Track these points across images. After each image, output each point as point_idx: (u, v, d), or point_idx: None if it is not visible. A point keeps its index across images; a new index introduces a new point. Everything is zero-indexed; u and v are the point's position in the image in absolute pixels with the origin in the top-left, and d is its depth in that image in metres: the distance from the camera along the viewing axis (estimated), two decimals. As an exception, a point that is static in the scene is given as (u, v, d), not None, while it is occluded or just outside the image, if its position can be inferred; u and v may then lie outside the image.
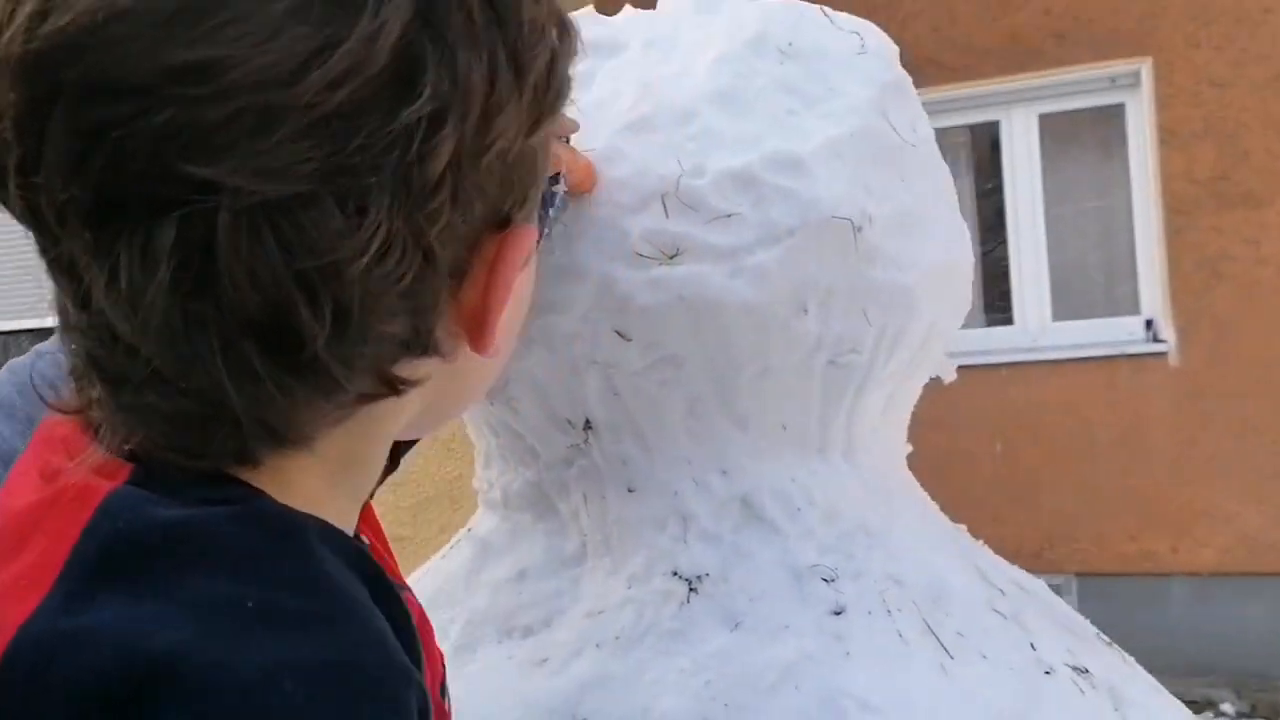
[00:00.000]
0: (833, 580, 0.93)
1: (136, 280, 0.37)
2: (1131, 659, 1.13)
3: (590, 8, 1.10)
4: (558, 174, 0.86)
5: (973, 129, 5.81)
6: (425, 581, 1.05)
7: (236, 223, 0.37)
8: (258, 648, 0.36)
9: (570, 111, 0.89)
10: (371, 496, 0.84)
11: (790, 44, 0.97)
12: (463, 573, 1.01)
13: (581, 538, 0.99)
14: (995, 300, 5.66)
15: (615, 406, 0.95)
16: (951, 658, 0.90)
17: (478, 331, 0.47)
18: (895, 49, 1.05)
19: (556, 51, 0.45)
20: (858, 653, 0.88)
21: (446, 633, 0.97)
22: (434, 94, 0.39)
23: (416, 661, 0.44)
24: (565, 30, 0.47)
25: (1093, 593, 5.05)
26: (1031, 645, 0.96)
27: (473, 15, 0.40)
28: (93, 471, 0.42)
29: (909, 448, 1.14)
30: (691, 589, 0.91)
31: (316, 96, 0.36)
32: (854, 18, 1.05)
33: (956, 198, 1.08)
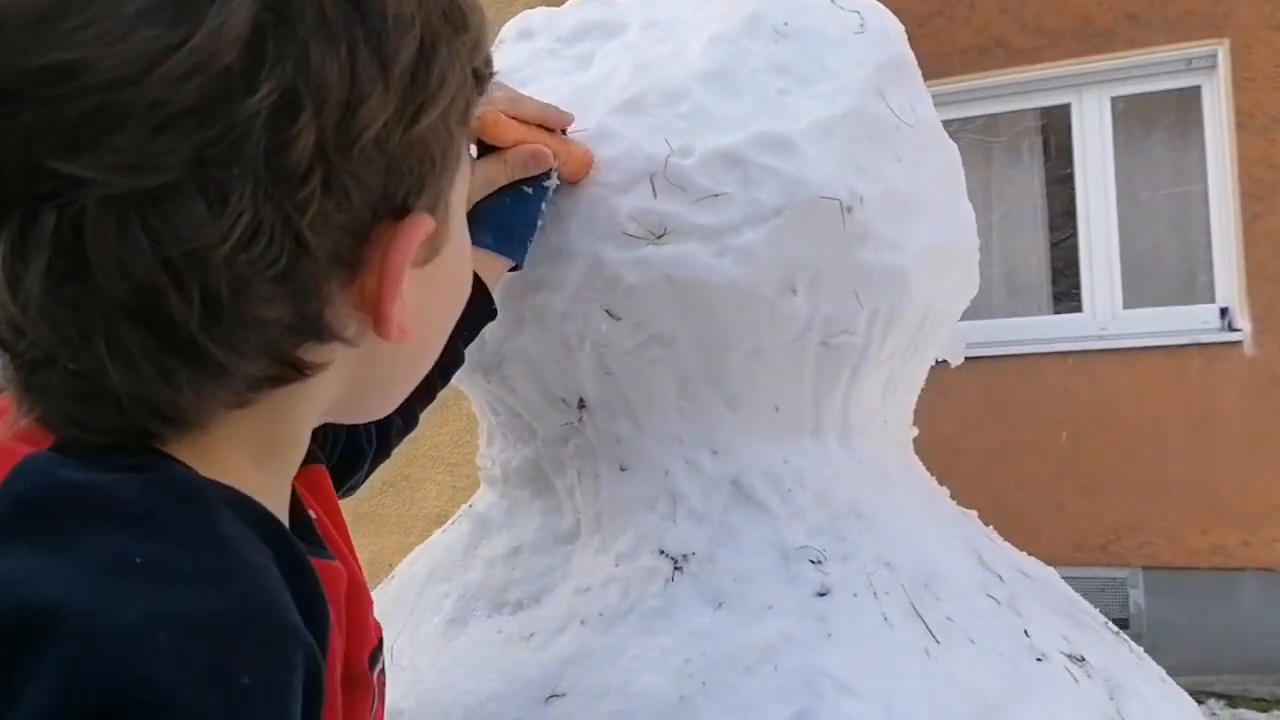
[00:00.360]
0: (820, 562, 0.92)
1: (17, 268, 0.40)
2: (1141, 651, 1.10)
3: (600, -11, 1.10)
4: (549, 170, 0.87)
5: (1043, 112, 5.68)
6: (425, 556, 1.07)
7: (104, 214, 0.39)
8: (138, 599, 0.37)
9: (548, 97, 0.90)
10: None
11: (786, 24, 0.97)
12: (460, 547, 1.03)
13: (576, 515, 1.00)
14: (1067, 289, 5.54)
15: (608, 385, 0.96)
16: (937, 642, 0.89)
17: (378, 319, 0.48)
18: (899, 28, 1.04)
19: (433, 41, 0.46)
20: (840, 634, 0.88)
21: (441, 606, 0.99)
22: (279, 85, 0.41)
23: (321, 628, 0.45)
24: (453, 19, 0.48)
25: (1160, 587, 4.93)
26: (1025, 632, 0.95)
27: (325, 9, 0.42)
28: (18, 438, 0.44)
29: (914, 431, 1.13)
30: (677, 567, 0.92)
31: (166, 93, 0.39)
32: (858, -4, 1.04)
33: (962, 179, 1.07)
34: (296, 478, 0.58)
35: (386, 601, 1.06)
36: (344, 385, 0.52)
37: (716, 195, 0.89)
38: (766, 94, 0.93)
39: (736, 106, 0.92)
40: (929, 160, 1.00)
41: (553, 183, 0.89)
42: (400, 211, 0.47)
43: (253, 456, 0.49)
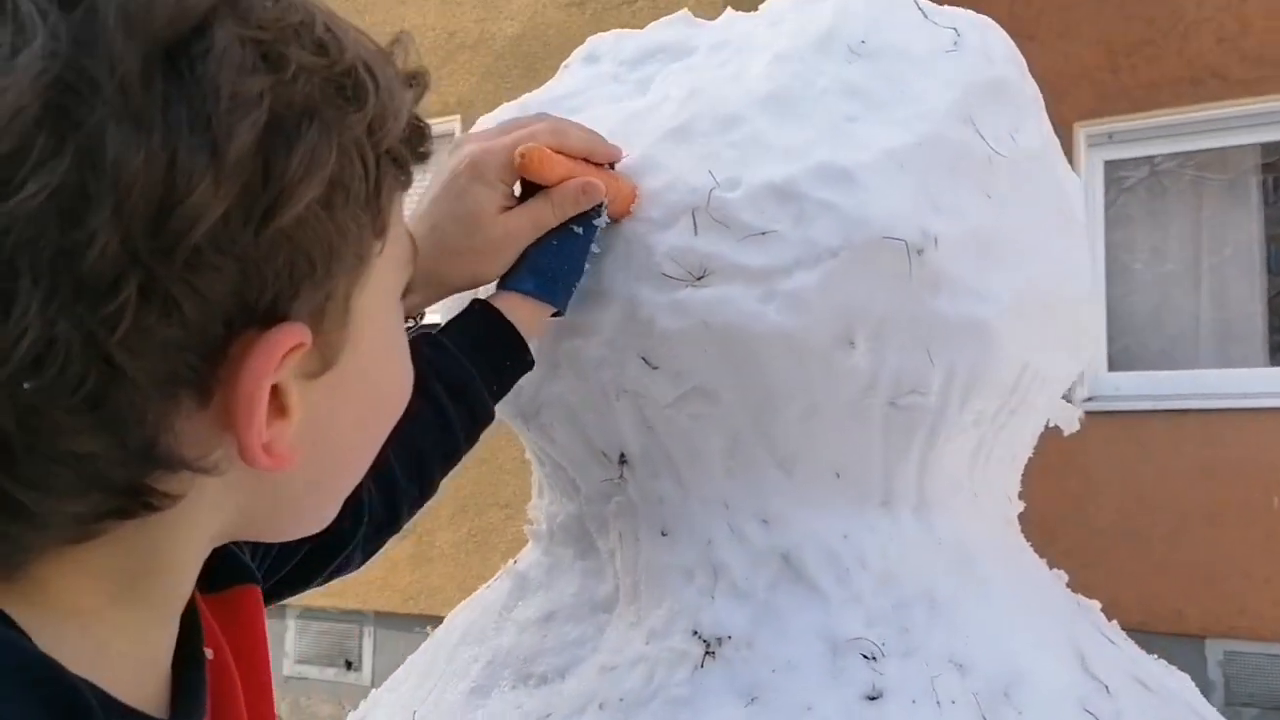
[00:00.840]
0: (875, 658, 0.80)
1: None
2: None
3: (685, 11, 1.02)
4: (600, 205, 0.80)
5: (1265, 148, 5.20)
6: (463, 614, 1.00)
7: None
8: None
9: (596, 125, 0.82)
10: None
11: (864, 41, 0.86)
12: (496, 608, 0.96)
13: (616, 581, 0.91)
14: (1285, 338, 5.03)
15: (649, 440, 0.87)
16: (1010, 765, 0.75)
17: (239, 444, 0.41)
18: (1007, 47, 0.91)
19: (296, 121, 0.39)
20: (888, 747, 0.75)
21: (468, 671, 0.92)
22: (53, 181, 0.34)
23: None
24: (343, 92, 0.41)
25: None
26: (1128, 760, 0.79)
27: (131, 87, 0.35)
28: None
29: (1018, 506, 0.99)
30: (709, 652, 0.81)
31: None
32: (963, 11, 0.92)
33: (1078, 218, 0.92)
34: (212, 602, 0.53)
35: (422, 661, 1.00)
36: (235, 507, 0.46)
37: (764, 233, 0.79)
38: (832, 120, 0.82)
39: (795, 134, 0.81)
40: (1030, 196, 0.87)
41: (603, 221, 0.81)
42: (268, 320, 0.40)
43: (112, 592, 0.43)
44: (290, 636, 5.21)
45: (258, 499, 0.46)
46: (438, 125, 4.75)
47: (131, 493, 0.40)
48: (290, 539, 0.55)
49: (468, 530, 4.85)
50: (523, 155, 0.77)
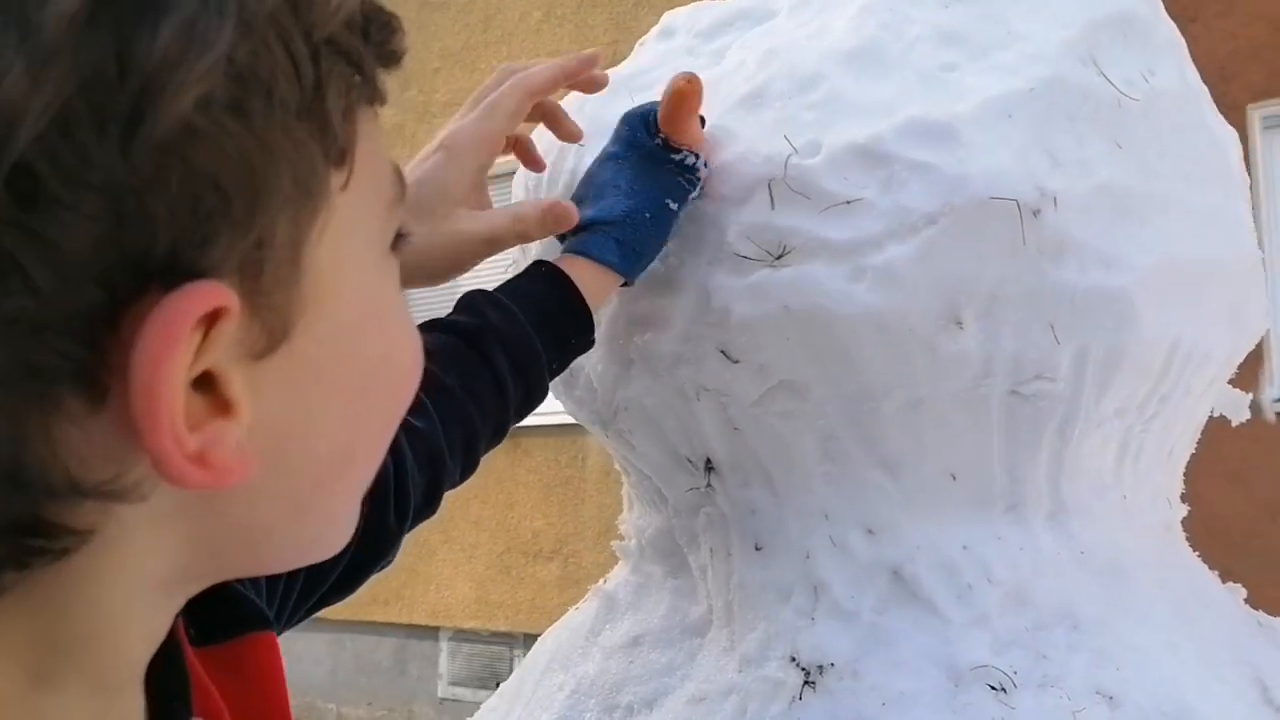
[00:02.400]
0: (1006, 690, 0.69)
1: None
2: None
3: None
4: (695, 176, 0.72)
5: None
6: (551, 639, 0.93)
7: None
8: None
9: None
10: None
11: (962, -19, 0.75)
12: (583, 632, 0.88)
13: (709, 601, 0.82)
14: None
15: (736, 443, 0.78)
16: (1173, 819, 0.63)
17: (152, 457, 0.30)
18: (1134, -24, 0.79)
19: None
20: (1019, 795, 0.64)
21: (553, 701, 0.85)
22: None
23: None
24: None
25: None
26: (1324, 813, 0.65)
27: None
28: None
29: (1180, 510, 0.85)
30: (808, 682, 0.71)
31: None
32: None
33: (1236, 170, 0.79)
34: (212, 655, 0.44)
35: (510, 688, 0.93)
36: (185, 541, 0.35)
37: (849, 202, 0.69)
38: (925, 71, 0.72)
39: (883, 89, 0.71)
40: (1173, 146, 0.74)
41: (697, 193, 0.73)
42: (172, 278, 0.29)
43: (31, 670, 0.34)
44: (443, 659, 5.28)
45: (215, 528, 0.35)
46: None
47: (15, 533, 0.30)
48: (294, 568, 0.47)
49: (613, 552, 4.81)
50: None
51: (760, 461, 0.77)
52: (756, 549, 0.78)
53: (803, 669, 0.72)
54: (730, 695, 0.74)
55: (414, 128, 6.35)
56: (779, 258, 0.71)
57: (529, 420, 0.75)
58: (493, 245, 0.70)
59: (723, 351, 0.74)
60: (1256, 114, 4.23)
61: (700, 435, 0.79)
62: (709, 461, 0.80)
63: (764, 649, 0.75)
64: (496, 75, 0.74)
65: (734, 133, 0.74)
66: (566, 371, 0.84)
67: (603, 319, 0.79)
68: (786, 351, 0.72)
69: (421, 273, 0.70)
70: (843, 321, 0.69)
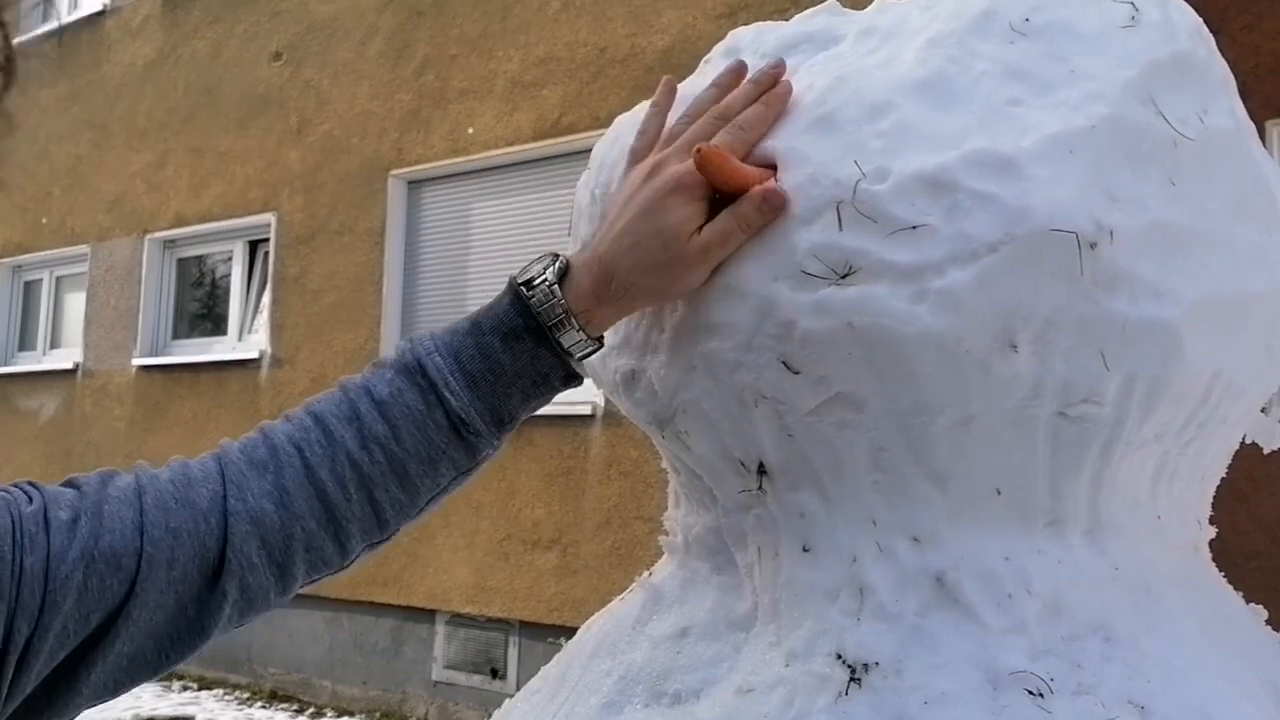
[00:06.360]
0: (1043, 695, 0.73)
1: None
2: None
3: (833, 1, 0.97)
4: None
5: None
6: (597, 626, 0.97)
7: None
8: None
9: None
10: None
11: (1028, 20, 0.79)
12: (630, 621, 0.92)
13: (754, 598, 0.86)
14: None
15: (790, 449, 0.81)
16: (1198, 823, 0.67)
17: None
18: (1191, 20, 0.82)
19: None
20: (1055, 795, 0.68)
21: (600, 685, 0.88)
22: None
23: None
24: None
25: None
26: (1339, 824, 0.69)
27: None
28: None
29: (1209, 532, 0.89)
30: (854, 678, 0.75)
31: None
32: (1140, -15, 0.84)
33: (1278, 203, 0.83)
34: None
35: (555, 672, 0.97)
36: None
37: (915, 227, 0.73)
38: (992, 104, 0.75)
39: (950, 121, 0.75)
40: (1222, 183, 0.78)
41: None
42: None
43: None
44: (439, 642, 5.32)
45: None
46: (590, 139, 4.78)
47: None
48: None
49: (611, 543, 4.85)
50: (700, 154, 0.76)
51: (812, 467, 0.81)
52: (804, 550, 0.82)
53: (848, 666, 0.76)
54: (777, 688, 0.78)
55: (429, 113, 6.38)
56: (844, 276, 0.74)
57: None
58: (725, 246, 0.79)
59: (784, 362, 0.78)
60: (1276, 131, 4.27)
61: (755, 440, 0.83)
62: (762, 465, 0.84)
63: (811, 645, 0.78)
64: (663, 92, 0.86)
65: (805, 155, 0.78)
66: (628, 373, 0.88)
67: (669, 326, 0.83)
68: (846, 365, 0.76)
69: (663, 290, 0.81)
70: (903, 340, 0.73)
